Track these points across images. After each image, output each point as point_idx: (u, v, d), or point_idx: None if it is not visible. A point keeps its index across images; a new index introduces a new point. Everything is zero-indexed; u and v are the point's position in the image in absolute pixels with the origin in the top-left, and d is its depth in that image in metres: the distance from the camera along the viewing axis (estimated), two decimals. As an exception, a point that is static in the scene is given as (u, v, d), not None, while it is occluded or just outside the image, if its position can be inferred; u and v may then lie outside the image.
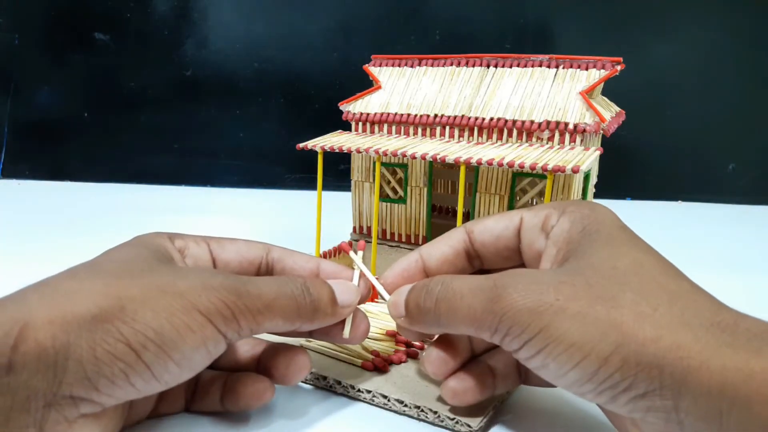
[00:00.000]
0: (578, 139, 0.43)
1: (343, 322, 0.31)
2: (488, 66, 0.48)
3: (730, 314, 0.23)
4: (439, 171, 0.55)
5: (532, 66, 0.46)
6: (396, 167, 0.50)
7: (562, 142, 0.43)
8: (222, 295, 0.26)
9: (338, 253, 0.51)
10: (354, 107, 0.51)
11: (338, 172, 0.80)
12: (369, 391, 0.33)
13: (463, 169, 0.41)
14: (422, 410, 0.32)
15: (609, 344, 0.23)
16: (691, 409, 0.22)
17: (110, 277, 0.25)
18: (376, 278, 0.34)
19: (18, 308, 0.23)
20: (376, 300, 0.44)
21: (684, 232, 0.73)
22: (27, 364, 0.22)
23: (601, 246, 0.26)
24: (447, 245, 0.32)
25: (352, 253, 0.35)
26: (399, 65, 0.51)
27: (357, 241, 0.53)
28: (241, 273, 0.32)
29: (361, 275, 0.33)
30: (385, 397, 0.33)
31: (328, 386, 0.34)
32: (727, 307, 0.24)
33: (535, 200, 0.46)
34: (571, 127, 0.43)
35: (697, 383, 0.21)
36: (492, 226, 0.31)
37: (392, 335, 0.38)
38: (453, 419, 0.31)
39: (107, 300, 0.24)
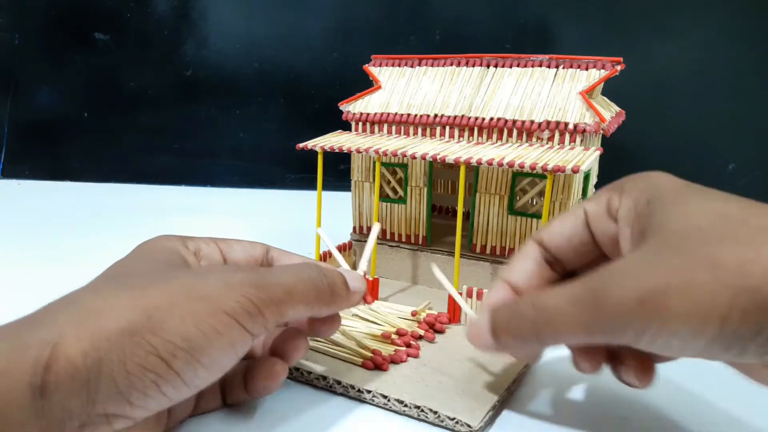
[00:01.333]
0: (578, 139, 0.43)
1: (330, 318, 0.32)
2: (488, 66, 0.48)
3: None
4: (439, 171, 0.55)
5: (532, 66, 0.46)
6: (396, 167, 0.50)
7: (562, 142, 0.43)
8: (245, 291, 0.26)
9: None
10: (354, 107, 0.51)
11: (338, 172, 0.80)
12: (369, 391, 0.33)
13: (463, 169, 0.41)
14: (422, 410, 0.32)
15: (724, 302, 0.22)
16: None
17: (135, 289, 0.25)
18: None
19: (47, 329, 0.23)
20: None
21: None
22: (60, 385, 0.22)
23: (674, 209, 0.25)
24: (525, 261, 0.31)
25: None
26: (399, 65, 0.51)
27: (357, 241, 0.53)
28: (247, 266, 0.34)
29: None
30: (385, 397, 0.33)
31: (328, 386, 0.34)
32: None
33: (535, 200, 0.46)
34: (571, 127, 0.43)
35: None
36: (560, 229, 0.31)
37: (387, 337, 0.38)
38: (453, 419, 0.31)
39: (134, 313, 0.24)
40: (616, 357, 0.29)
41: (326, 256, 0.50)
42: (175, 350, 0.24)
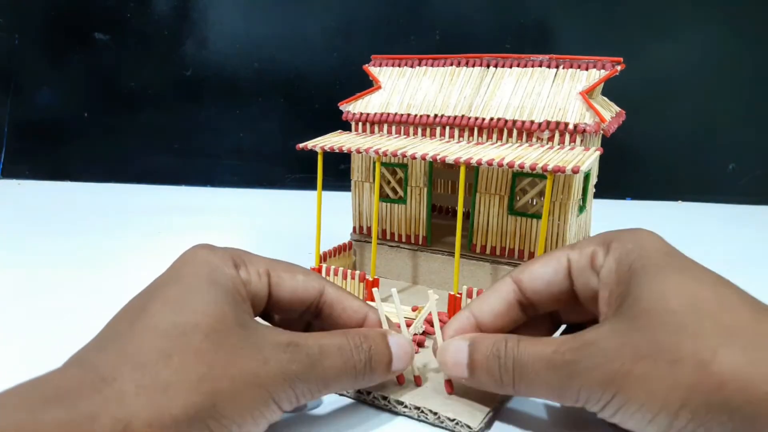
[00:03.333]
0: (578, 140, 0.43)
1: None
2: (488, 66, 0.48)
3: None
4: (439, 171, 0.55)
5: (532, 66, 0.46)
6: (396, 167, 0.50)
7: (562, 142, 0.43)
8: (295, 384, 0.27)
9: (338, 252, 0.51)
10: (354, 107, 0.51)
11: (338, 172, 0.80)
12: (369, 393, 0.33)
13: (463, 169, 0.41)
14: (422, 411, 0.32)
15: (675, 401, 0.23)
16: None
17: (202, 364, 0.25)
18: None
19: (118, 407, 0.23)
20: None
21: (684, 232, 0.73)
22: None
23: (652, 283, 0.26)
24: (497, 299, 0.32)
25: (378, 302, 0.34)
26: (399, 65, 0.51)
27: (357, 241, 0.53)
28: (290, 310, 0.32)
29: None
30: (385, 398, 0.33)
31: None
32: None
33: (535, 200, 0.46)
34: (571, 127, 0.43)
35: None
36: (541, 273, 0.31)
37: None
38: (453, 420, 0.31)
39: (201, 398, 0.25)
40: None
41: (326, 257, 0.50)
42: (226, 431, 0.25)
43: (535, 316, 0.33)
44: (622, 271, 0.28)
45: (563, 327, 0.34)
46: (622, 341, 0.25)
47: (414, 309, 0.42)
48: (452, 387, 0.33)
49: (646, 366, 0.24)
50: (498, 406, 0.33)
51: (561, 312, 0.33)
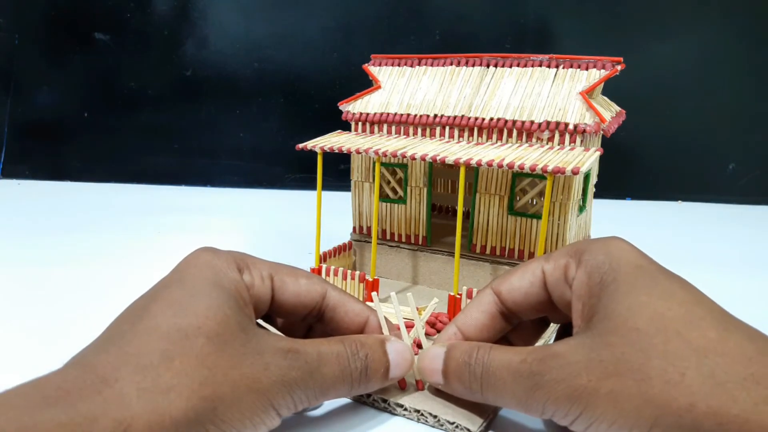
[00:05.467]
0: (578, 140, 0.43)
1: None
2: (488, 66, 0.48)
3: (762, 360, 0.23)
4: (439, 171, 0.55)
5: (532, 66, 0.46)
6: (396, 167, 0.50)
7: (562, 142, 0.43)
8: (293, 391, 0.27)
9: (338, 253, 0.51)
10: (354, 107, 0.51)
11: (338, 172, 0.80)
12: (369, 395, 0.33)
13: (462, 169, 0.41)
14: (422, 414, 0.32)
15: (646, 419, 0.23)
16: None
17: (204, 367, 0.25)
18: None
19: (119, 408, 0.23)
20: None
21: (684, 232, 0.73)
22: None
23: (622, 298, 0.26)
24: (480, 311, 0.32)
25: (376, 303, 0.34)
26: (399, 65, 0.51)
27: (357, 241, 0.53)
28: (293, 313, 0.32)
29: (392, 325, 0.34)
30: (384, 401, 0.33)
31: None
32: (759, 348, 0.23)
33: (534, 200, 0.46)
34: (571, 127, 0.43)
35: None
36: (518, 285, 0.31)
37: None
38: (453, 423, 0.31)
39: (202, 402, 0.25)
40: None
41: (326, 257, 0.50)
42: None
43: (523, 321, 0.33)
44: (593, 283, 0.28)
45: (557, 326, 0.35)
46: (589, 356, 0.25)
47: (417, 309, 0.42)
48: (423, 384, 0.34)
49: (614, 384, 0.24)
50: (497, 410, 0.33)
51: (548, 316, 0.33)
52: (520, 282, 0.31)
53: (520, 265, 0.32)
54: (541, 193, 0.44)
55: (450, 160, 0.40)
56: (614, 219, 0.68)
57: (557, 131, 0.43)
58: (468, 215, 0.53)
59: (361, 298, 0.46)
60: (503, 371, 0.28)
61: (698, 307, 0.25)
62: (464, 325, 0.32)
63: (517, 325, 0.33)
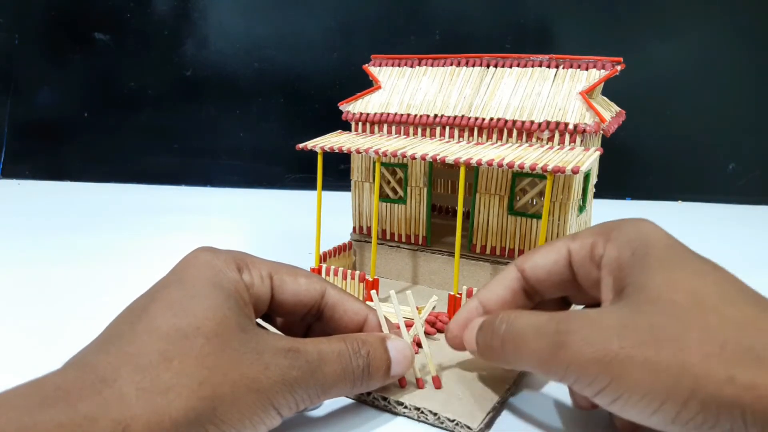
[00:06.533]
0: (578, 140, 0.43)
1: None
2: (488, 66, 0.48)
3: None
4: (439, 170, 0.55)
5: (532, 66, 0.46)
6: (396, 167, 0.50)
7: (562, 142, 0.43)
8: (295, 390, 0.27)
9: (338, 252, 0.51)
10: (354, 107, 0.51)
11: (338, 172, 0.80)
12: (369, 394, 0.33)
13: (463, 169, 0.41)
14: (422, 412, 0.32)
15: (684, 389, 0.23)
16: None
17: (203, 368, 0.25)
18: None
19: (118, 408, 0.23)
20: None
21: (684, 232, 0.73)
22: None
23: (656, 272, 0.26)
24: (503, 287, 0.32)
25: (376, 302, 0.34)
26: (399, 65, 0.51)
27: (357, 241, 0.53)
28: (292, 312, 0.32)
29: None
30: (385, 399, 0.33)
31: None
32: None
33: (534, 200, 0.46)
34: (571, 127, 0.43)
35: None
36: (542, 263, 0.31)
37: None
38: (453, 421, 0.31)
39: (201, 402, 0.25)
40: None
41: (326, 257, 0.50)
42: None
43: (544, 300, 0.33)
44: (624, 257, 0.27)
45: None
46: (623, 323, 0.24)
47: (417, 309, 0.42)
48: (440, 383, 0.34)
49: (650, 352, 0.23)
50: (498, 407, 0.33)
51: (570, 296, 0.33)
52: (545, 260, 0.31)
53: (545, 243, 0.32)
54: (541, 193, 0.44)
55: (450, 160, 0.40)
56: (614, 219, 0.68)
57: (557, 131, 0.43)
58: (468, 215, 0.53)
59: (361, 298, 0.46)
60: (527, 327, 0.27)
61: (732, 285, 0.25)
62: (486, 299, 0.32)
63: (537, 304, 0.33)
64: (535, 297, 0.33)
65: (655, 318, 0.24)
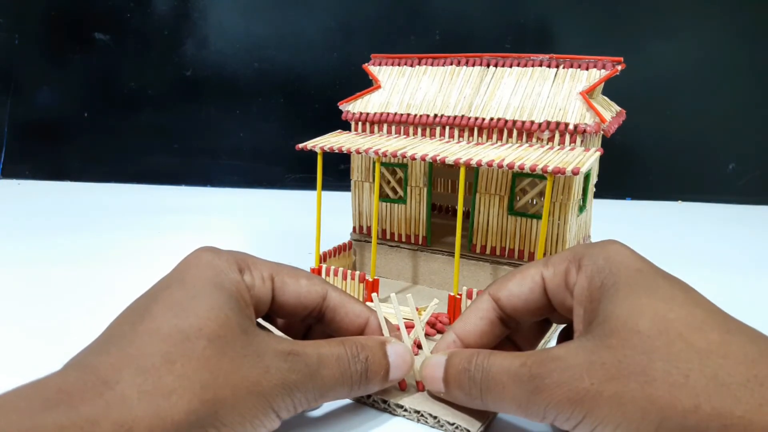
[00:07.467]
0: (578, 140, 0.43)
1: None
2: (488, 66, 0.48)
3: (765, 362, 0.23)
4: (439, 170, 0.55)
5: (532, 66, 0.46)
6: (396, 167, 0.50)
7: (562, 142, 0.43)
8: (294, 394, 0.27)
9: (338, 252, 0.51)
10: (354, 107, 0.51)
11: (338, 172, 0.80)
12: (369, 396, 0.33)
13: (462, 169, 0.41)
14: (422, 415, 0.32)
15: (651, 421, 0.23)
16: None
17: (205, 370, 0.25)
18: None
19: (120, 411, 0.23)
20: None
21: (684, 232, 0.73)
22: None
23: (622, 301, 0.26)
24: (478, 318, 0.32)
25: (375, 303, 0.34)
26: (399, 64, 0.51)
27: (357, 241, 0.53)
28: (293, 314, 0.32)
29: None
30: (384, 401, 0.33)
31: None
32: (761, 350, 0.23)
33: (534, 201, 0.46)
34: (571, 127, 0.42)
35: None
36: (517, 291, 0.31)
37: None
38: (452, 424, 0.31)
39: (203, 406, 0.25)
40: None
41: (326, 257, 0.49)
42: None
43: (522, 325, 0.33)
44: (593, 288, 0.28)
45: (560, 327, 0.35)
46: (590, 359, 0.25)
47: (417, 310, 0.42)
48: (423, 385, 0.33)
49: (617, 386, 0.24)
50: (496, 412, 0.33)
51: (549, 317, 0.33)
52: (520, 288, 0.31)
53: (517, 270, 0.32)
54: (541, 193, 0.44)
55: (450, 160, 0.40)
56: (614, 219, 0.68)
57: (557, 131, 0.43)
58: (468, 215, 0.53)
59: (361, 299, 0.46)
60: (503, 375, 0.27)
61: (699, 309, 0.25)
62: (463, 332, 0.32)
63: (516, 330, 0.33)
64: (511, 324, 0.32)
65: (620, 351, 0.25)
